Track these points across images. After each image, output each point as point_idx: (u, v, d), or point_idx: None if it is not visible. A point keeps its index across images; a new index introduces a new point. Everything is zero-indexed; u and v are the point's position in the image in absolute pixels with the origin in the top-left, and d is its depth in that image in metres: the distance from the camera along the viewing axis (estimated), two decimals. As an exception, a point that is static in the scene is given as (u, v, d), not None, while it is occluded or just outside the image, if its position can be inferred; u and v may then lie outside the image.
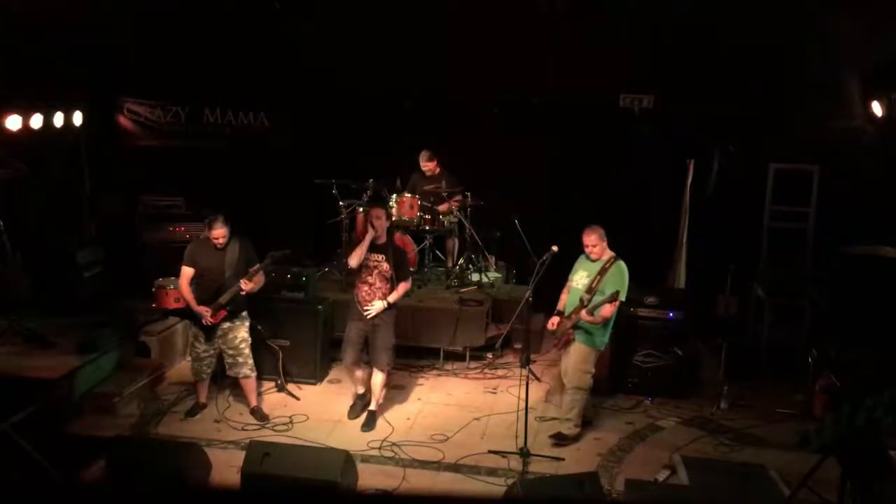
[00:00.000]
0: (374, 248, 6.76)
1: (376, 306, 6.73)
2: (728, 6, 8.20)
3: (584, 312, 6.45)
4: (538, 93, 9.31)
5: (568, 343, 6.68)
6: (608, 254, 6.62)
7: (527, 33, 8.70)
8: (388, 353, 6.87)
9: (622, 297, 6.43)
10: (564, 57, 8.76)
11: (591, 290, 6.52)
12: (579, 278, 6.68)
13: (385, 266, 6.75)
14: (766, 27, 8.18)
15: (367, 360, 7.02)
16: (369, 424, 6.90)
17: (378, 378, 6.91)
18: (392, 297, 6.77)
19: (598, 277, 6.52)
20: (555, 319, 6.72)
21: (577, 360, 6.62)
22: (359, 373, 7.05)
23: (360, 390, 7.14)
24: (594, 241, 6.57)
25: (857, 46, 8.00)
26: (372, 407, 7.01)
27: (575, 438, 6.72)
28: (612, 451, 6.66)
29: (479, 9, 8.57)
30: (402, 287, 6.84)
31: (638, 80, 9.08)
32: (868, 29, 7.72)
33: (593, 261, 6.63)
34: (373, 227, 6.72)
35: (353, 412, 7.08)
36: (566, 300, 6.77)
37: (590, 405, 7.00)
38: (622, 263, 6.58)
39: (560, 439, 6.69)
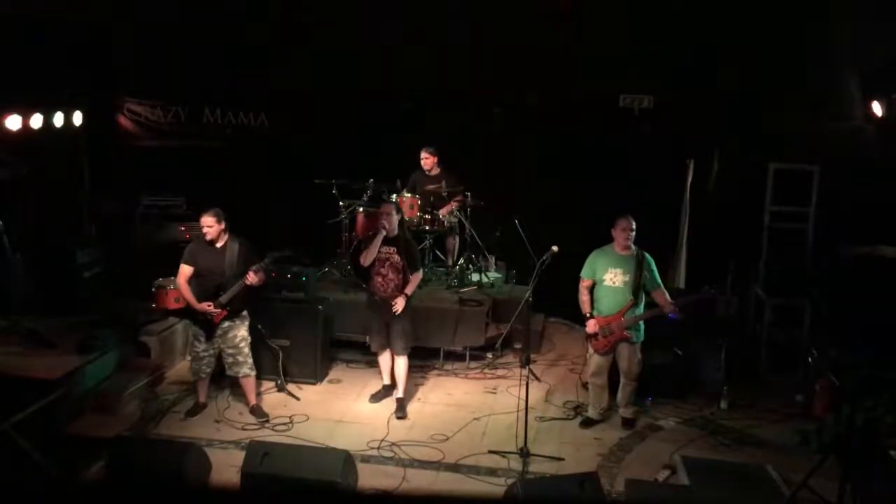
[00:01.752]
0: (385, 240, 7.02)
1: (400, 304, 6.96)
2: (728, 6, 8.19)
3: (667, 304, 6.65)
4: (538, 93, 9.30)
5: (618, 343, 6.76)
6: (633, 246, 6.74)
7: (527, 33, 8.69)
8: (404, 338, 7.14)
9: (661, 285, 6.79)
10: (564, 57, 8.76)
11: (637, 286, 6.65)
12: (613, 276, 6.71)
13: (396, 258, 7.01)
14: (766, 27, 8.18)
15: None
16: (401, 411, 7.12)
17: (401, 362, 7.19)
18: (409, 290, 7.05)
19: (638, 272, 6.64)
20: (593, 323, 6.75)
21: (633, 355, 6.81)
22: (385, 360, 7.31)
23: (387, 381, 7.38)
24: (634, 226, 6.68)
25: (857, 46, 7.99)
26: (399, 394, 7.23)
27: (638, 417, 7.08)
28: (612, 451, 6.66)
29: (479, 9, 8.57)
30: (416, 278, 7.12)
31: (638, 80, 9.08)
32: (868, 29, 7.72)
33: (621, 255, 6.70)
34: (383, 226, 6.95)
35: (376, 398, 7.37)
36: (590, 299, 6.80)
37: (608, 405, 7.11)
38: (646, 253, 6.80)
39: (631, 425, 6.97)
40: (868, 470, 5.23)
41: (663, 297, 6.75)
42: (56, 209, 9.17)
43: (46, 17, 8.02)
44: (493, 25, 8.69)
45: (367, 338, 7.42)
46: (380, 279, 7.07)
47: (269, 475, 5.43)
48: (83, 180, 9.61)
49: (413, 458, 6.41)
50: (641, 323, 6.81)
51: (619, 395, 7.04)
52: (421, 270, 7.29)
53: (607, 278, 6.73)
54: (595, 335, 6.78)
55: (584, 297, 6.85)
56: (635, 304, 6.71)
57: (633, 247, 6.75)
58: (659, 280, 6.82)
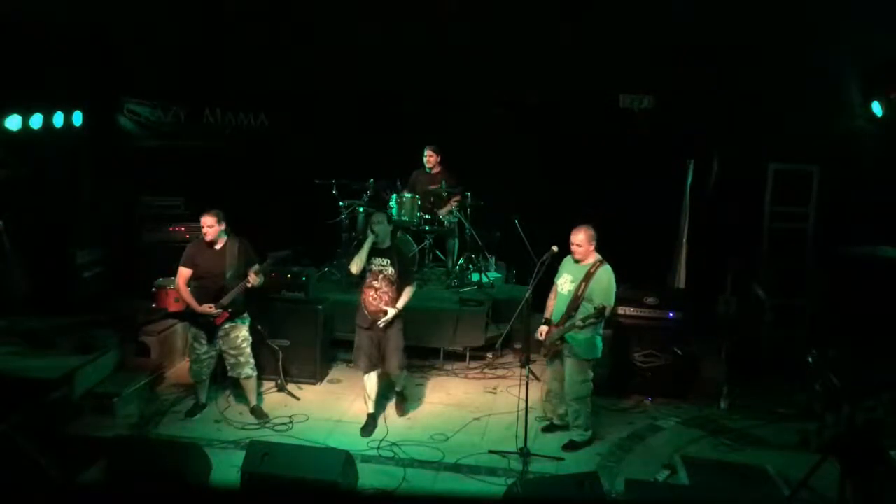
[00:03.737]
0: (378, 252, 6.77)
1: (389, 314, 6.70)
2: (728, 6, 8.19)
3: (576, 324, 6.28)
4: (538, 93, 9.31)
5: (556, 354, 6.59)
6: (594, 257, 6.43)
7: (527, 33, 8.70)
8: (399, 356, 6.90)
9: (610, 303, 6.35)
10: (564, 57, 8.76)
11: (577, 297, 6.36)
12: (564, 282, 6.52)
13: (390, 270, 6.75)
14: (766, 27, 8.18)
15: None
16: (402, 408, 7.16)
17: (400, 378, 7.13)
18: (400, 303, 6.76)
19: (584, 284, 6.35)
20: (543, 329, 6.58)
21: (573, 373, 6.49)
22: (372, 385, 6.95)
23: (371, 409, 6.99)
24: (580, 241, 6.35)
25: (857, 46, 7.99)
26: (398, 388, 7.20)
27: (588, 442, 6.68)
28: (612, 451, 6.66)
29: (478, 8, 8.57)
30: (408, 291, 6.82)
31: (638, 80, 9.08)
32: (868, 29, 7.72)
33: (578, 263, 6.46)
34: (373, 231, 6.71)
35: (367, 431, 6.83)
36: (553, 306, 6.64)
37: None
38: (608, 268, 6.41)
39: (573, 447, 6.64)
40: (868, 470, 5.23)
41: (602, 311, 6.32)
42: (56, 209, 9.18)
43: (46, 17, 8.02)
44: (493, 25, 8.69)
45: (354, 357, 6.98)
46: (372, 293, 6.75)
47: (269, 475, 5.43)
48: (83, 180, 9.61)
49: (413, 458, 6.41)
50: (594, 339, 6.44)
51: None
52: (414, 284, 6.95)
53: (559, 283, 6.56)
54: (543, 341, 6.60)
55: (549, 301, 6.69)
56: (570, 317, 6.39)
57: (593, 257, 6.43)
58: (607, 298, 6.31)
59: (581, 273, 6.41)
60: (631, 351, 7.66)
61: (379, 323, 6.72)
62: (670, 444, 6.76)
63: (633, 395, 7.64)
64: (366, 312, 6.81)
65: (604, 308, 6.21)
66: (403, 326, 6.93)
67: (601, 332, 6.54)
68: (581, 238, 6.37)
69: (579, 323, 6.27)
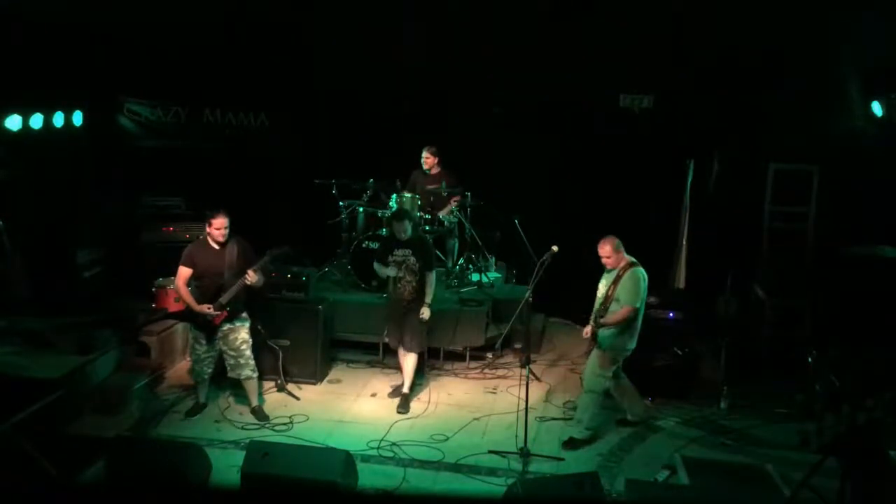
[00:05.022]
0: (400, 243, 7.22)
1: (426, 314, 7.17)
2: (728, 6, 8.19)
3: (601, 325, 6.49)
4: (538, 93, 9.31)
5: (591, 351, 6.74)
6: (624, 261, 6.56)
7: (527, 33, 8.70)
8: (417, 337, 7.27)
9: (636, 304, 6.46)
10: (564, 57, 8.77)
11: (607, 299, 6.56)
12: (601, 287, 6.71)
13: (412, 260, 7.17)
14: (766, 27, 8.18)
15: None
16: (404, 406, 7.25)
17: (410, 359, 7.32)
18: (429, 298, 7.23)
19: (613, 287, 6.54)
20: (588, 329, 6.71)
21: (594, 363, 6.65)
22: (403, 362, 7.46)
23: (406, 389, 7.44)
24: (607, 253, 6.53)
25: (857, 46, 7.99)
26: (405, 390, 7.37)
27: (588, 441, 6.72)
28: (612, 451, 6.66)
29: (479, 8, 8.57)
30: (430, 279, 7.25)
31: (638, 80, 9.08)
32: (868, 29, 7.72)
33: (610, 270, 6.62)
34: (397, 237, 7.22)
35: (394, 393, 7.51)
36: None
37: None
38: (638, 270, 6.52)
39: (573, 445, 6.68)
40: (868, 470, 5.23)
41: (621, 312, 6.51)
42: (56, 209, 9.17)
43: (47, 17, 8.02)
44: (494, 25, 8.69)
45: (386, 336, 7.64)
46: (397, 282, 7.24)
47: (269, 475, 5.43)
48: (83, 180, 9.61)
49: (413, 458, 6.41)
50: (619, 335, 6.55)
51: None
52: (434, 271, 7.34)
53: (599, 287, 6.73)
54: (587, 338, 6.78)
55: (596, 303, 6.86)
56: (601, 317, 6.57)
57: (624, 261, 6.54)
58: (632, 298, 6.45)
59: (612, 277, 6.60)
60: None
61: (422, 317, 7.16)
62: (670, 444, 6.76)
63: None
64: (392, 297, 7.35)
65: (627, 308, 6.41)
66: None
67: (634, 331, 6.60)
68: (607, 249, 6.55)
69: (593, 325, 6.48)
